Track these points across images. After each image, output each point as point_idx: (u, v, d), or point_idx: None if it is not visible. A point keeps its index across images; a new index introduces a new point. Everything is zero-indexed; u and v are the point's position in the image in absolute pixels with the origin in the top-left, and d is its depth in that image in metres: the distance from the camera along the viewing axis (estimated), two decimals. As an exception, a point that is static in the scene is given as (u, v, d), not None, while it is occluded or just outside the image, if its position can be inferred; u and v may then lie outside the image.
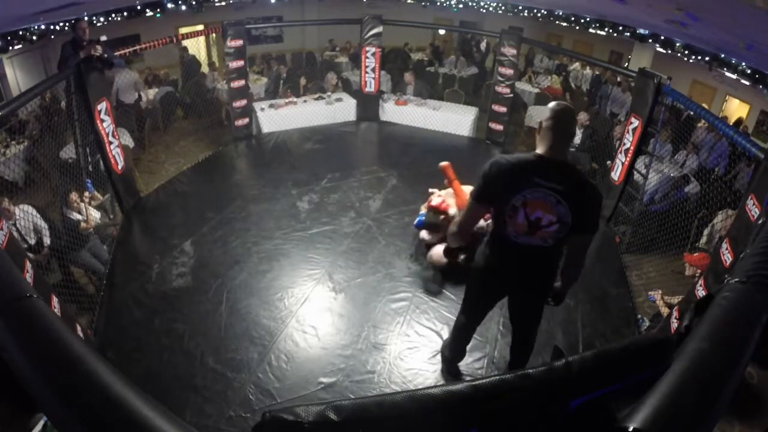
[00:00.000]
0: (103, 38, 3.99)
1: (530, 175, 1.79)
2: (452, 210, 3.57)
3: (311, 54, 9.63)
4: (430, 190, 3.92)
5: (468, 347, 3.02)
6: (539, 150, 1.84)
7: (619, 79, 7.27)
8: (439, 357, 2.95)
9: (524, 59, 8.98)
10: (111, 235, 4.03)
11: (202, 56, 8.38)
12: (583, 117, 5.86)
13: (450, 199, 3.69)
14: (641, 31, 7.94)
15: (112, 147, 4.22)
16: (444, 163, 3.84)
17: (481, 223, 3.35)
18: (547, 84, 8.20)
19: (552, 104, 1.87)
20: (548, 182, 1.78)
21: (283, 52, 10.07)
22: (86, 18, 6.48)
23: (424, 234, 3.72)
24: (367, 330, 3.14)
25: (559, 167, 1.81)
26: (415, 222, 3.87)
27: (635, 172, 4.45)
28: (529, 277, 2.07)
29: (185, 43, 7.52)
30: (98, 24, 7.42)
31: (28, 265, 2.30)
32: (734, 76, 6.89)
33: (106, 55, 4.01)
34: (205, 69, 7.63)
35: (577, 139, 5.80)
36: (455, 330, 2.62)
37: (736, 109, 7.95)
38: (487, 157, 6.22)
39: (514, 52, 5.86)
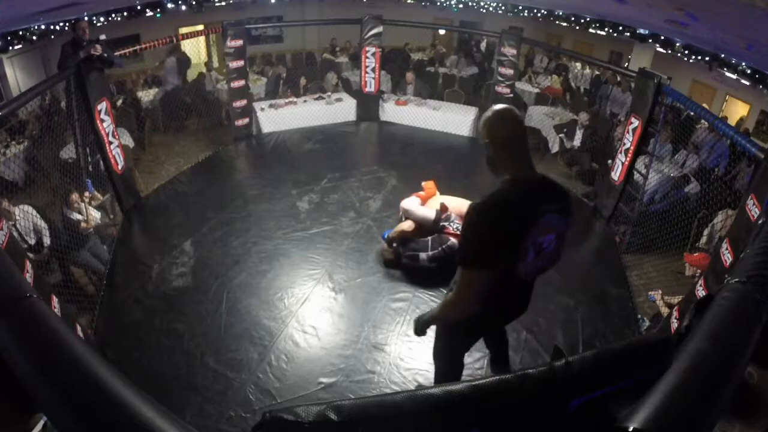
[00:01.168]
0: (103, 37, 3.99)
1: (534, 208, 1.52)
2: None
3: (311, 54, 9.64)
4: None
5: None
6: (517, 173, 1.56)
7: (619, 79, 7.27)
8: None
9: (524, 59, 8.98)
10: (111, 235, 4.03)
11: (202, 56, 8.39)
12: (583, 117, 5.87)
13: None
14: (641, 31, 7.93)
15: (112, 147, 4.22)
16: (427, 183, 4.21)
17: (424, 212, 3.74)
18: (547, 84, 8.19)
19: (493, 115, 1.56)
20: (548, 204, 1.55)
21: (283, 52, 10.08)
22: (86, 18, 6.48)
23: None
24: (367, 330, 3.14)
25: (546, 181, 1.63)
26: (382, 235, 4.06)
27: (635, 172, 4.45)
28: (524, 303, 1.97)
29: (183, 43, 7.54)
30: (98, 24, 7.41)
31: (28, 265, 2.30)
32: (734, 76, 6.89)
33: (105, 55, 4.01)
34: (201, 68, 7.63)
35: (578, 138, 5.81)
36: (456, 370, 2.20)
37: (737, 110, 7.94)
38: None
39: (514, 52, 5.86)
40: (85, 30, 4.35)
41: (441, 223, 3.69)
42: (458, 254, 1.63)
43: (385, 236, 3.94)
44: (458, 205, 3.86)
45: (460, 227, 3.59)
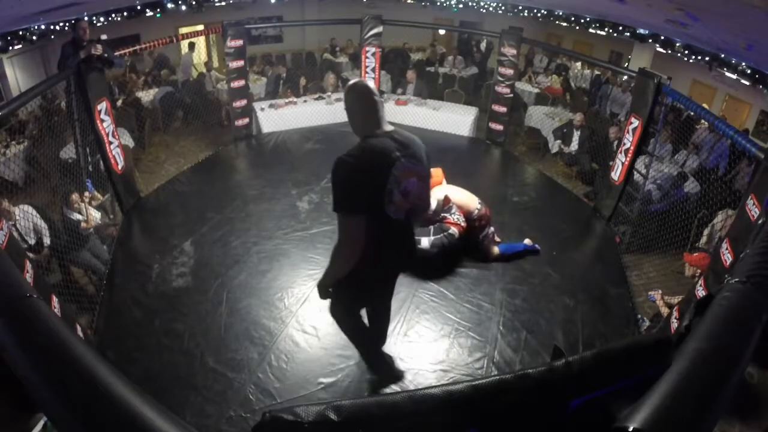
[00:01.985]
0: (104, 37, 4.00)
1: (389, 155, 1.83)
2: None
3: (311, 54, 9.63)
4: None
5: (468, 346, 3.04)
6: (370, 131, 1.89)
7: (619, 79, 7.28)
8: (439, 357, 2.96)
9: (524, 59, 8.98)
10: (111, 235, 4.02)
11: (202, 57, 8.40)
12: (578, 118, 5.87)
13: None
14: (641, 31, 7.94)
15: (112, 147, 4.22)
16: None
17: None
18: (547, 84, 8.19)
19: (347, 88, 1.94)
20: (403, 151, 1.86)
21: (283, 52, 10.08)
22: (86, 18, 6.49)
23: None
24: (367, 330, 3.14)
25: (397, 134, 1.92)
26: None
27: (635, 172, 4.45)
28: (408, 245, 2.15)
29: (183, 43, 7.63)
30: (98, 24, 7.42)
31: (28, 265, 2.30)
32: (734, 76, 6.89)
33: (106, 55, 4.01)
34: (201, 68, 7.64)
35: (576, 139, 5.81)
36: (361, 327, 2.51)
37: (737, 113, 7.94)
38: (487, 157, 6.30)
39: (514, 52, 5.86)
40: (85, 30, 4.35)
41: (442, 214, 3.70)
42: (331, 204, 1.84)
43: None
44: (463, 198, 3.88)
45: (461, 218, 3.68)
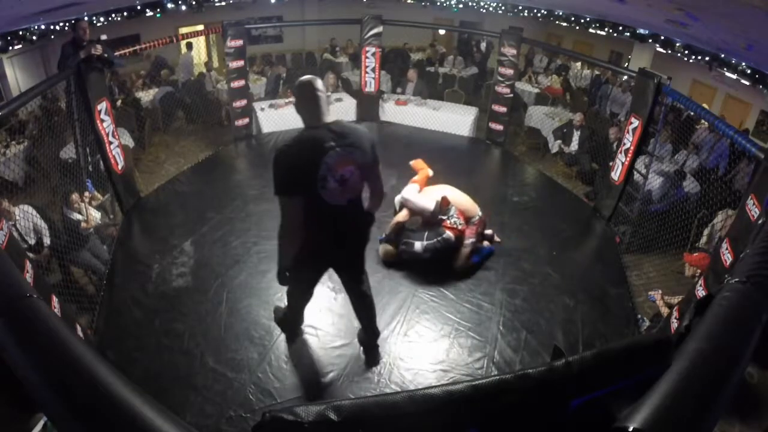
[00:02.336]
0: (104, 37, 4.00)
1: (322, 145, 2.00)
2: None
3: (311, 54, 9.63)
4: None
5: (468, 346, 3.04)
6: (311, 122, 2.07)
7: (619, 80, 7.27)
8: (439, 357, 2.96)
9: (524, 59, 8.97)
10: (111, 235, 4.02)
11: (201, 57, 8.40)
12: (578, 118, 5.87)
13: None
14: (641, 31, 7.94)
15: (112, 147, 4.22)
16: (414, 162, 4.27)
17: (424, 203, 3.67)
18: (547, 84, 8.19)
19: (296, 85, 2.14)
20: (337, 141, 2.02)
21: (283, 52, 10.07)
22: (86, 18, 6.49)
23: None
24: (367, 330, 3.14)
25: (335, 125, 2.08)
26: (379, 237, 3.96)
27: (635, 172, 4.45)
28: (353, 230, 2.29)
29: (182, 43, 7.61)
30: (98, 24, 7.42)
31: (28, 265, 2.30)
32: (734, 76, 6.89)
33: (106, 55, 4.01)
34: (201, 68, 7.64)
35: (576, 139, 5.81)
36: (299, 306, 2.77)
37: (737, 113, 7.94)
38: (487, 157, 6.30)
39: (514, 52, 5.86)
40: (85, 30, 4.35)
41: (439, 216, 3.63)
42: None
43: (381, 239, 3.87)
44: (465, 202, 3.79)
45: (458, 221, 3.60)
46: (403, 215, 3.79)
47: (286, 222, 2.08)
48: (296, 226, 2.07)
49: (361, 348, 2.95)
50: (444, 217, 3.63)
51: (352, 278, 2.60)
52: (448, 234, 3.55)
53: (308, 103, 2.07)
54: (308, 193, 2.02)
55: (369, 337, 2.90)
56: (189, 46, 7.92)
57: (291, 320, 2.96)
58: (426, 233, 3.59)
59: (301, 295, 2.67)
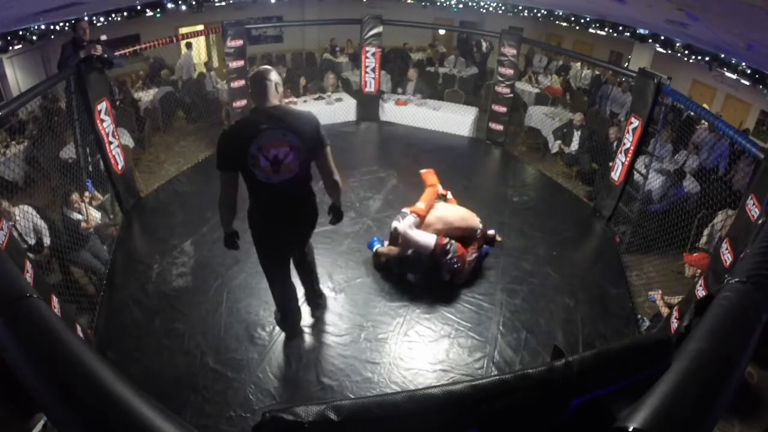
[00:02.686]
0: (104, 38, 4.00)
1: (257, 126, 2.18)
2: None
3: (311, 54, 9.63)
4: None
5: (468, 346, 3.04)
6: (257, 106, 2.27)
7: (619, 80, 7.27)
8: (439, 357, 2.96)
9: (524, 59, 8.97)
10: (111, 235, 4.02)
11: (201, 57, 8.40)
12: (578, 117, 5.87)
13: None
14: (641, 31, 7.94)
15: (112, 147, 4.22)
16: (424, 171, 3.99)
17: (423, 239, 3.40)
18: (547, 84, 8.19)
19: (253, 71, 2.41)
20: (272, 124, 2.19)
21: (283, 52, 10.07)
22: (86, 18, 6.49)
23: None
24: (367, 330, 3.14)
25: (274, 110, 2.24)
26: (369, 244, 3.86)
27: (635, 172, 4.45)
28: (295, 208, 2.45)
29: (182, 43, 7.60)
30: (98, 24, 7.42)
31: (28, 265, 2.30)
32: (734, 76, 6.89)
33: (106, 55, 4.01)
34: (201, 68, 7.64)
35: (576, 139, 5.81)
36: (279, 292, 2.86)
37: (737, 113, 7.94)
38: (487, 157, 6.31)
39: (514, 52, 5.86)
40: (85, 30, 4.35)
41: (440, 258, 3.37)
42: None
43: (373, 246, 3.76)
44: (464, 216, 3.60)
45: (457, 262, 3.38)
46: (396, 251, 3.53)
47: (221, 194, 2.31)
48: (229, 197, 2.31)
49: (315, 311, 3.20)
50: (444, 259, 3.37)
51: (300, 254, 2.82)
52: (447, 275, 3.45)
53: (255, 89, 2.27)
54: (243, 171, 2.24)
55: (314, 299, 3.16)
56: (189, 45, 7.93)
57: (281, 313, 3.02)
58: (423, 269, 3.44)
59: (277, 282, 2.77)
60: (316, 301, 3.21)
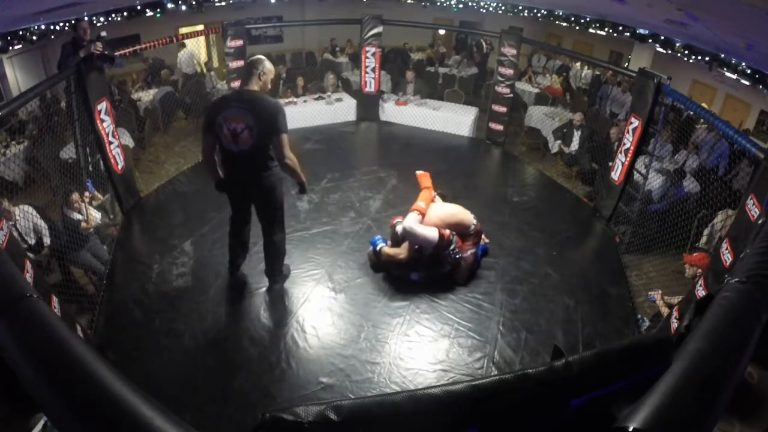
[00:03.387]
0: (104, 34, 4.00)
1: (228, 101, 2.75)
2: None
3: (311, 54, 9.63)
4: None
5: (468, 346, 3.04)
6: (240, 86, 2.82)
7: (619, 79, 7.27)
8: (439, 357, 2.96)
9: (526, 59, 8.98)
10: (111, 235, 4.02)
11: (202, 56, 8.40)
12: (577, 117, 5.87)
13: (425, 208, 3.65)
14: (641, 31, 7.94)
15: (112, 147, 4.22)
16: (420, 173, 4.00)
17: (427, 233, 3.42)
18: (547, 84, 8.19)
19: (251, 57, 2.86)
20: (238, 103, 2.70)
21: (283, 52, 10.08)
22: (86, 18, 6.49)
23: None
24: (367, 330, 3.14)
25: (246, 93, 2.75)
26: (371, 241, 3.80)
27: (635, 172, 4.45)
28: (248, 174, 2.89)
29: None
30: (98, 24, 7.42)
31: (28, 265, 2.30)
32: (734, 76, 6.89)
33: (106, 52, 4.01)
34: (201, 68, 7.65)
35: (576, 139, 5.81)
36: (229, 231, 3.32)
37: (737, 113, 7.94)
38: (487, 157, 6.31)
39: (514, 52, 5.86)
40: (85, 30, 4.35)
41: (442, 251, 3.41)
42: None
43: (376, 244, 3.69)
44: (458, 213, 3.62)
45: (458, 253, 3.44)
46: (404, 255, 3.51)
47: (202, 152, 2.94)
48: (206, 156, 2.89)
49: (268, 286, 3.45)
50: (445, 252, 3.43)
51: (261, 218, 3.14)
52: (448, 266, 3.48)
53: (244, 73, 2.80)
54: (214, 135, 2.76)
55: (268, 277, 3.42)
56: (182, 45, 7.79)
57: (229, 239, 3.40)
58: (425, 267, 3.48)
59: (231, 221, 3.28)
60: (269, 280, 3.44)
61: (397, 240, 3.64)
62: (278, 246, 3.26)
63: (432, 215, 3.59)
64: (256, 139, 2.70)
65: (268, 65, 2.78)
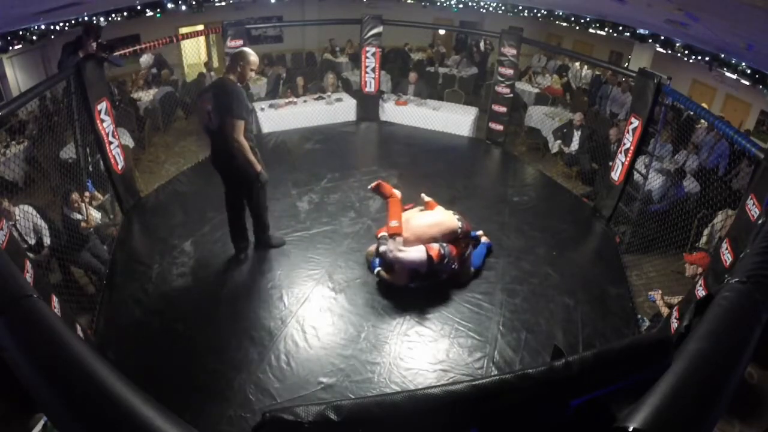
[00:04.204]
0: (102, 21, 4.08)
1: (207, 87, 3.33)
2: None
3: (311, 54, 9.62)
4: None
5: (468, 346, 3.04)
6: (224, 74, 3.15)
7: (619, 79, 7.27)
8: (439, 357, 2.96)
9: (527, 59, 8.97)
10: (111, 235, 4.02)
11: (202, 57, 8.40)
12: (577, 117, 5.88)
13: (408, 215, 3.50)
14: (641, 31, 7.93)
15: (112, 147, 4.22)
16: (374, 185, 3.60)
17: (414, 256, 3.26)
18: (547, 84, 8.19)
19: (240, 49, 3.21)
20: (211, 87, 3.20)
21: (283, 52, 10.07)
22: (86, 18, 6.49)
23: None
24: (367, 330, 3.15)
25: (222, 79, 3.11)
26: (372, 263, 3.58)
27: (635, 172, 4.45)
28: (218, 152, 3.27)
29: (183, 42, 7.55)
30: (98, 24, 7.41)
31: (28, 265, 2.30)
32: (734, 76, 6.88)
33: (104, 42, 4.01)
34: (201, 69, 7.64)
35: (576, 139, 5.81)
36: (228, 222, 3.68)
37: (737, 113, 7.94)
38: (487, 157, 6.31)
39: (514, 52, 5.86)
40: (96, 35, 4.34)
41: (438, 267, 3.29)
42: None
43: (375, 267, 3.49)
44: (443, 219, 3.43)
45: (454, 262, 3.33)
46: (400, 281, 3.40)
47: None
48: (203, 130, 3.33)
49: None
50: (441, 267, 3.30)
51: (240, 195, 3.50)
52: (445, 276, 3.42)
53: (229, 62, 3.13)
54: (199, 116, 3.32)
55: (256, 241, 3.83)
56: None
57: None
58: (423, 280, 3.40)
59: (225, 198, 3.59)
60: (257, 242, 3.86)
61: (390, 262, 3.36)
62: (260, 220, 3.66)
63: (412, 230, 3.32)
64: (216, 119, 3.06)
65: (250, 57, 3.06)
